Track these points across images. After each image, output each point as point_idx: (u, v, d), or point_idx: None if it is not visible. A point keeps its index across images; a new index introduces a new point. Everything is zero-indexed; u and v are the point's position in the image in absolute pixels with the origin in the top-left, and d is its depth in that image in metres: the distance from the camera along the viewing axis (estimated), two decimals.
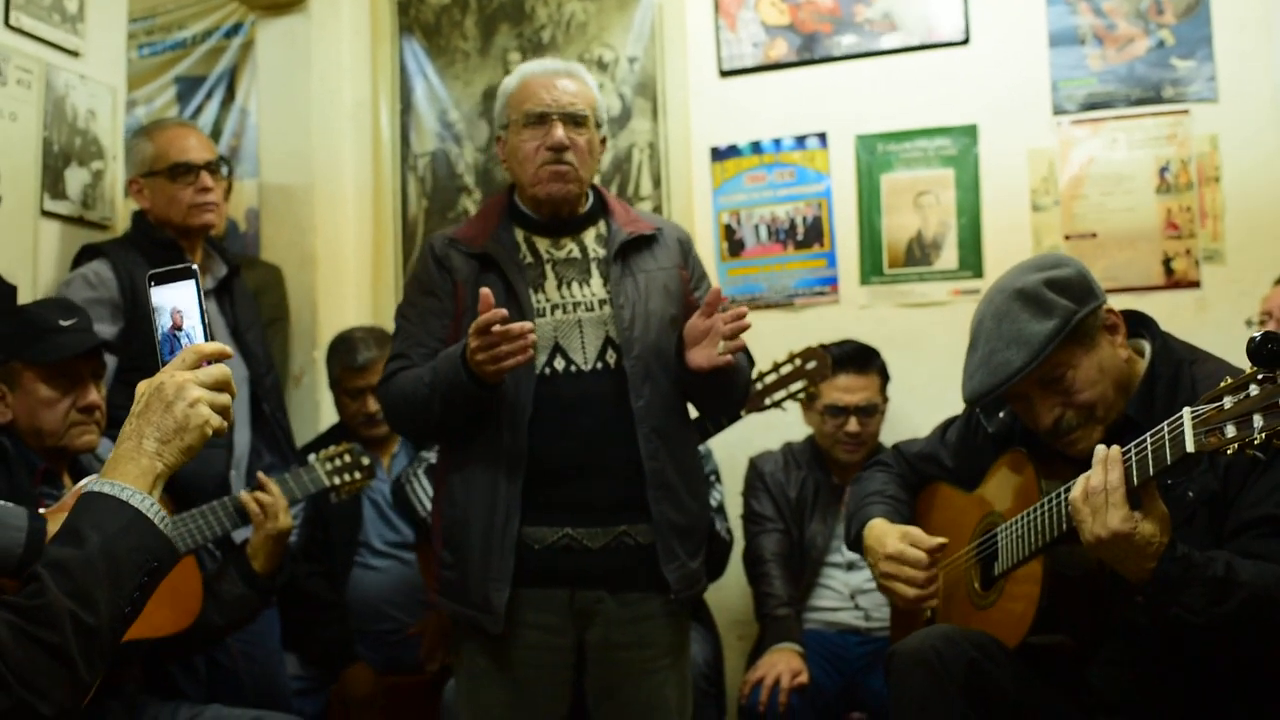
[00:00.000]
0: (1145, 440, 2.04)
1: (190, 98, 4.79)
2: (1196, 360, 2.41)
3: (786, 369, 3.36)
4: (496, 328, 2.52)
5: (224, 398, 1.70)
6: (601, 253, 2.85)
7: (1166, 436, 1.99)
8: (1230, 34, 3.78)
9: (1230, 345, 2.50)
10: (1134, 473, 2.04)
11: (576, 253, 2.85)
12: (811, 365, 3.35)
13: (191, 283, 1.73)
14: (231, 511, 2.93)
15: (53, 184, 3.40)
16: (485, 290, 2.58)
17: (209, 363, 1.70)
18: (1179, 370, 2.38)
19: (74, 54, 3.49)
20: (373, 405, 3.83)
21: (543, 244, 2.85)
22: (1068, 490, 2.24)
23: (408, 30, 4.75)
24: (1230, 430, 1.86)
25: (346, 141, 4.70)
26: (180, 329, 1.72)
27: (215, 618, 2.90)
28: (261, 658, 3.38)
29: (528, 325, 2.57)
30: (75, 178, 3.48)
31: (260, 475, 3.02)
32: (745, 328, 2.63)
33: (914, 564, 2.58)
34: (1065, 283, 2.36)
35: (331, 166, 4.63)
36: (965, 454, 2.78)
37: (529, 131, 2.80)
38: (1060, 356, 2.34)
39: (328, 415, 4.27)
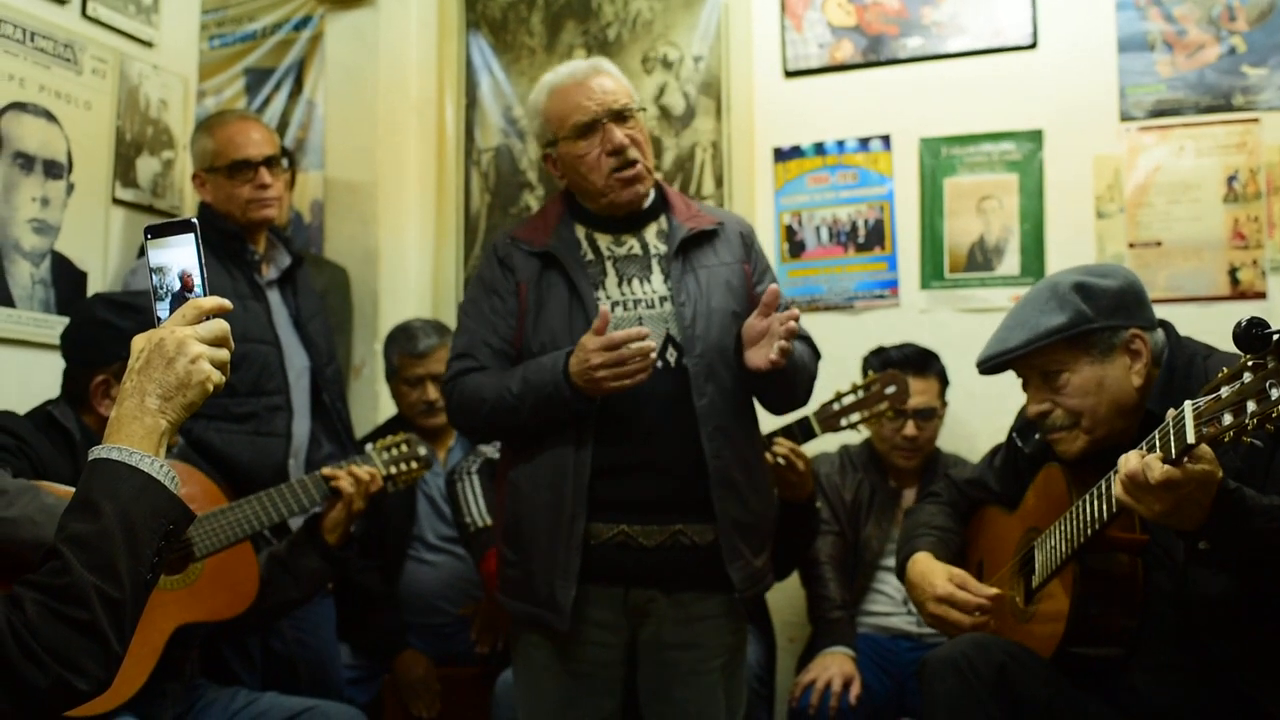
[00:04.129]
0: (1154, 437, 2.07)
1: (259, 89, 4.85)
2: (1211, 354, 2.43)
3: (866, 391, 3.34)
4: (633, 346, 2.55)
5: (223, 353, 1.68)
6: (663, 248, 2.84)
7: (1171, 430, 2.02)
8: None
9: None
10: (1171, 447, 2.02)
11: (637, 249, 2.84)
12: (891, 390, 3.32)
13: (191, 237, 1.71)
14: (317, 489, 2.97)
15: (124, 172, 3.46)
16: (605, 308, 2.61)
17: (208, 319, 1.69)
18: (1193, 363, 2.41)
19: (148, 44, 3.56)
20: (432, 393, 3.85)
21: (604, 240, 2.85)
22: (1097, 489, 2.28)
23: (474, 26, 4.78)
24: (1227, 418, 1.88)
25: (411, 136, 4.74)
26: (190, 290, 1.71)
27: (293, 592, 2.98)
28: (317, 646, 3.42)
29: (653, 345, 2.59)
30: (146, 166, 3.54)
31: (349, 463, 3.05)
32: (794, 331, 2.62)
33: (963, 607, 2.58)
34: (1099, 292, 2.43)
35: (396, 160, 4.67)
36: (1009, 476, 2.81)
37: (583, 142, 2.78)
38: (1060, 355, 2.43)
39: (387, 407, 4.31)
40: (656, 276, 2.81)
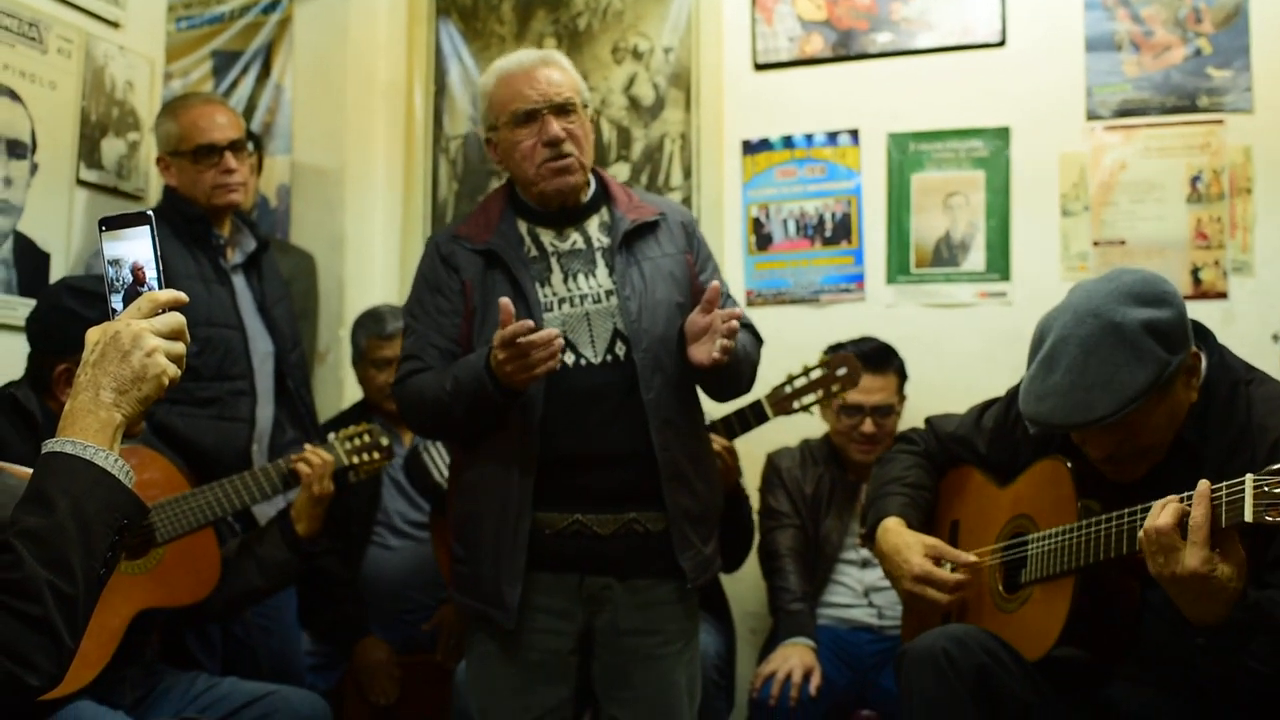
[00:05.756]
0: (1221, 490, 1.99)
1: (226, 72, 4.81)
2: (1254, 380, 2.34)
3: (817, 373, 3.34)
4: (523, 339, 2.53)
5: (179, 346, 1.66)
6: (606, 241, 2.84)
7: (1225, 498, 1.96)
8: (1268, 45, 3.75)
9: (1257, 358, 2.49)
10: (1222, 515, 1.98)
11: (581, 243, 2.84)
12: (842, 371, 3.33)
13: (147, 229, 1.69)
14: (275, 477, 2.97)
15: (89, 153, 3.43)
16: (505, 301, 2.58)
17: (164, 311, 1.67)
18: (1235, 391, 2.31)
19: (114, 25, 3.53)
20: None
21: (546, 236, 2.84)
22: (1119, 518, 2.22)
23: (444, 13, 4.76)
24: None
25: (379, 122, 4.72)
26: (143, 284, 1.69)
27: (258, 580, 2.97)
28: (278, 632, 3.41)
29: (554, 332, 2.57)
30: (111, 148, 3.51)
31: (308, 446, 3.05)
32: (735, 330, 2.64)
33: (941, 586, 2.57)
34: (1167, 329, 2.23)
35: (364, 146, 4.65)
36: (1001, 443, 2.72)
37: (522, 130, 2.77)
38: (1140, 406, 2.23)
39: (351, 393, 4.30)
40: (601, 270, 2.82)
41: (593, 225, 2.87)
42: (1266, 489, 1.88)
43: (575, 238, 2.85)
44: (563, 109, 2.78)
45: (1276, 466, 1.90)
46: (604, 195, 2.91)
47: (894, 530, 2.71)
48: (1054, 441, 2.54)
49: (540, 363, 2.56)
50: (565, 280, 2.80)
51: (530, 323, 2.55)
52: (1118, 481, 2.36)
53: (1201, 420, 2.30)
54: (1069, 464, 2.46)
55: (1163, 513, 2.05)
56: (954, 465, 2.88)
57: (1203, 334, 2.41)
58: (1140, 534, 2.08)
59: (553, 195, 2.81)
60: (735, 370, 2.81)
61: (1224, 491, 1.97)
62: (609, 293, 2.79)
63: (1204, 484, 2.01)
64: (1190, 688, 2.29)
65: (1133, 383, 2.20)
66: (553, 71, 2.81)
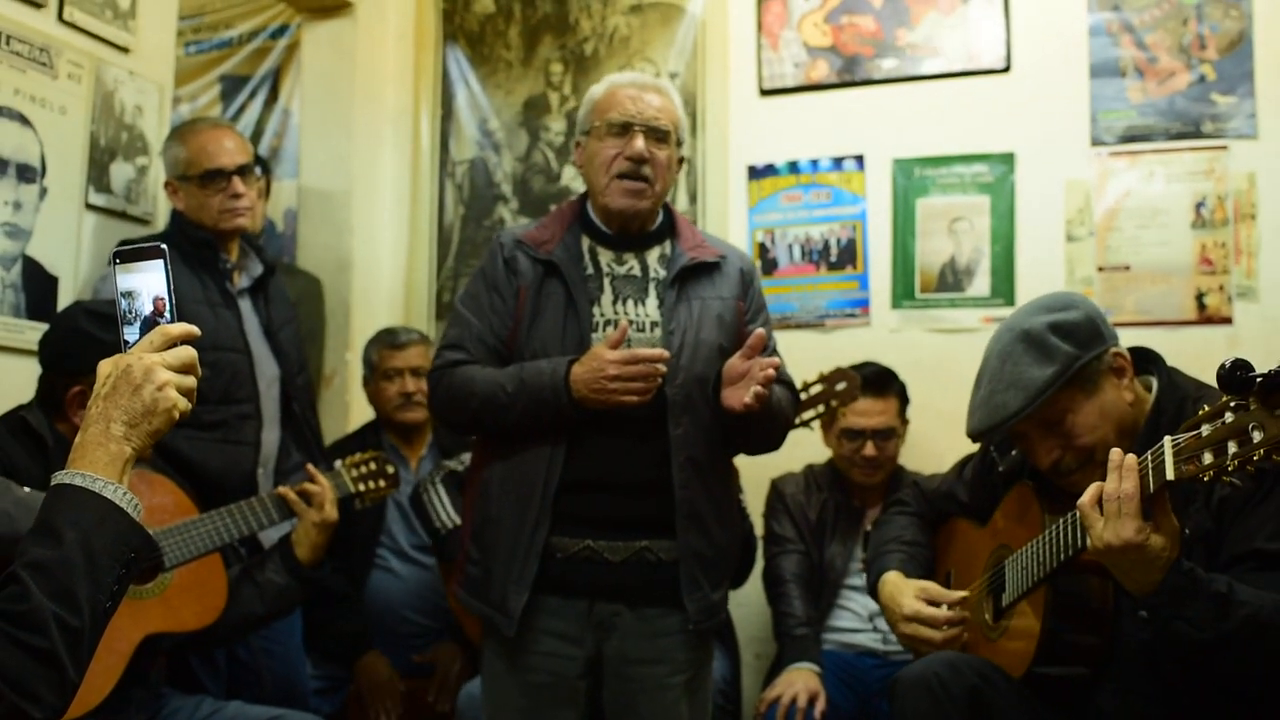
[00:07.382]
0: (1146, 457, 2.05)
1: (234, 97, 4.84)
2: (1202, 396, 2.39)
3: (816, 389, 3.36)
4: (644, 366, 2.59)
5: (190, 380, 1.68)
6: (662, 273, 2.85)
7: (1150, 464, 2.02)
8: (1272, 71, 3.77)
9: None
10: (1149, 482, 2.03)
11: (637, 270, 2.86)
12: (840, 386, 3.35)
13: (161, 263, 1.70)
14: (272, 506, 2.97)
15: (98, 178, 3.45)
16: (624, 323, 2.65)
17: (175, 345, 1.68)
18: (1183, 406, 2.38)
19: (124, 50, 3.54)
20: (410, 385, 3.88)
21: (605, 256, 2.86)
22: (1068, 520, 2.27)
23: (451, 38, 4.79)
24: (1207, 458, 1.89)
25: (386, 146, 4.74)
26: (161, 315, 1.70)
27: (257, 607, 2.95)
28: (282, 655, 3.40)
29: (664, 370, 2.63)
30: (120, 172, 3.53)
31: (309, 466, 3.05)
32: (771, 378, 2.64)
33: (931, 623, 2.59)
34: (1071, 327, 2.39)
35: (371, 171, 4.67)
36: (980, 490, 2.80)
37: (611, 140, 2.81)
38: (1060, 401, 2.37)
39: (357, 417, 4.30)
40: (651, 300, 2.83)
41: (652, 255, 2.88)
42: (1183, 444, 1.95)
43: (632, 264, 2.87)
44: (656, 133, 2.81)
45: (1188, 422, 1.95)
46: (670, 229, 2.93)
47: (891, 580, 2.74)
48: (1023, 474, 2.62)
49: (645, 391, 2.62)
50: (615, 302, 2.82)
51: (667, 354, 2.64)
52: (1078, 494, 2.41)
53: (1152, 434, 2.33)
54: (1032, 484, 2.54)
55: (1089, 489, 2.11)
56: (943, 522, 2.95)
57: (1152, 358, 2.53)
58: (1079, 511, 2.13)
59: (616, 212, 2.83)
60: (767, 422, 2.81)
61: (1149, 459, 2.03)
62: (654, 324, 2.81)
63: (1130, 456, 2.08)
64: (1170, 693, 2.29)
65: (1040, 376, 2.36)
66: (656, 97, 2.86)
